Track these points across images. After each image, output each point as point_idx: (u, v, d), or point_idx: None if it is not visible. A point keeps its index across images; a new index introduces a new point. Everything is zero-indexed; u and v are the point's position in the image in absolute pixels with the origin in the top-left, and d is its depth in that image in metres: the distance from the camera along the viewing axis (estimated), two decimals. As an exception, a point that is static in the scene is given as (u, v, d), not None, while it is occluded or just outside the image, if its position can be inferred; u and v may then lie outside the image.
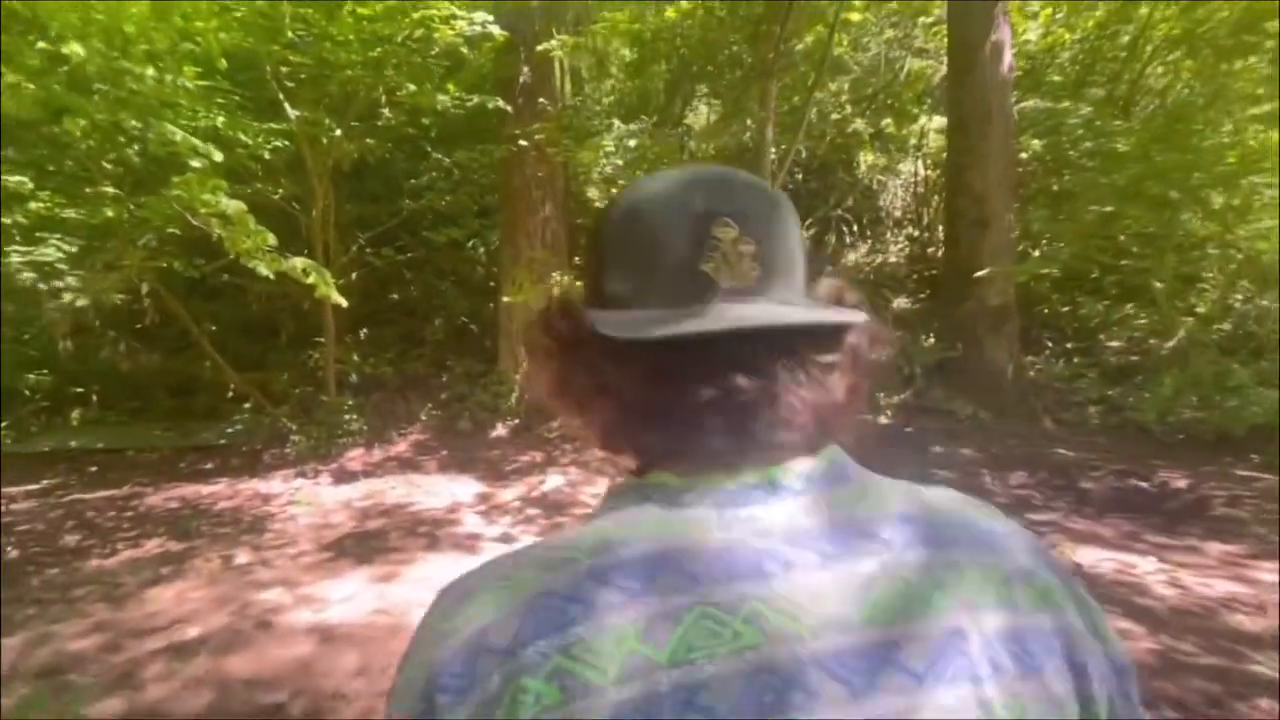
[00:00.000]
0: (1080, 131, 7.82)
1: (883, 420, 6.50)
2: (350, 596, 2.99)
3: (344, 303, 4.39)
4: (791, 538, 0.42)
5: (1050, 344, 8.51)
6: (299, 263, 3.90)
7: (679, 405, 0.45)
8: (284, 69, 5.50)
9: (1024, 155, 8.44)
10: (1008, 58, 7.47)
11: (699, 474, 0.45)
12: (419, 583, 3.12)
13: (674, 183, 0.49)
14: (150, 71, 3.27)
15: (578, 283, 0.58)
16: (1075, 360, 8.03)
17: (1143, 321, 8.30)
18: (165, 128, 3.38)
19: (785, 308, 0.47)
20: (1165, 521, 4.25)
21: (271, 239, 3.74)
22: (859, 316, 0.48)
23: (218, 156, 3.59)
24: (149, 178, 4.97)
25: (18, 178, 4.33)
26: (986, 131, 7.35)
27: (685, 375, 0.45)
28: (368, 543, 3.74)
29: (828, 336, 0.48)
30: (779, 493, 0.44)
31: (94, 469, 6.38)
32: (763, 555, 0.41)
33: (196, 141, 3.48)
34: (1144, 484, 4.93)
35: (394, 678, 0.43)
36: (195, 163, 3.46)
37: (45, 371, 7.95)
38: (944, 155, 9.08)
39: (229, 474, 5.78)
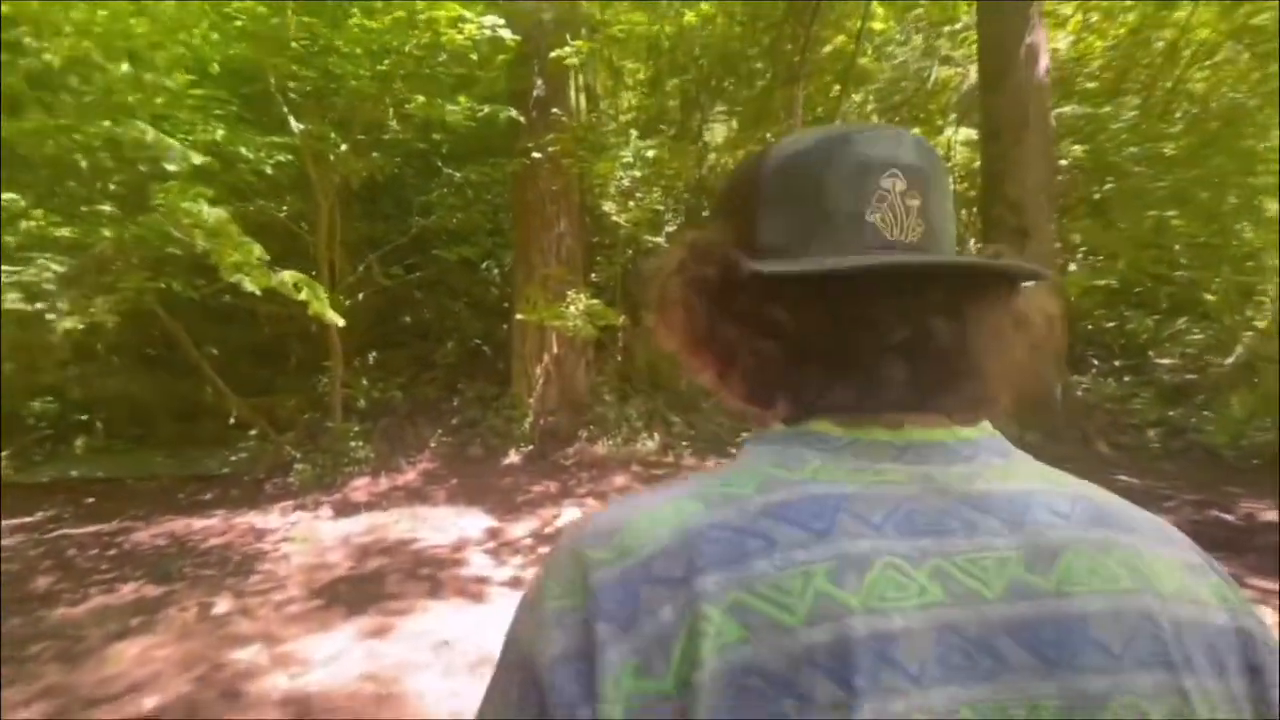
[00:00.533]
0: (1124, 136, 7.39)
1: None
2: (336, 656, 2.60)
3: (340, 321, 4.07)
4: (969, 500, 0.39)
5: (1097, 362, 8.00)
6: (289, 276, 3.58)
7: (862, 347, 0.42)
8: (289, 83, 5.28)
9: (1063, 162, 8.00)
10: (1044, 60, 7.08)
11: (860, 427, 0.42)
12: (415, 639, 2.73)
13: (838, 133, 0.46)
14: (125, 68, 3.00)
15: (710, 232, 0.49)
16: (1126, 379, 7.52)
17: (1197, 336, 7.78)
18: (136, 125, 3.10)
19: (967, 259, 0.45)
20: (1262, 561, 3.74)
21: (260, 251, 3.43)
22: (1046, 271, 0.46)
23: (196, 160, 3.30)
24: (147, 196, 4.74)
25: (10, 195, 4.12)
26: (1023, 137, 6.94)
27: (874, 316, 0.42)
28: (362, 587, 3.36)
29: (1005, 294, 0.45)
30: (948, 454, 0.41)
31: (91, 500, 6.09)
32: (942, 513, 0.39)
33: (174, 143, 3.19)
34: (1228, 516, 4.42)
35: (524, 603, 0.39)
36: (171, 166, 3.16)
37: (50, 399, 7.74)
38: (973, 167, 8.69)
39: (227, 505, 5.45)
